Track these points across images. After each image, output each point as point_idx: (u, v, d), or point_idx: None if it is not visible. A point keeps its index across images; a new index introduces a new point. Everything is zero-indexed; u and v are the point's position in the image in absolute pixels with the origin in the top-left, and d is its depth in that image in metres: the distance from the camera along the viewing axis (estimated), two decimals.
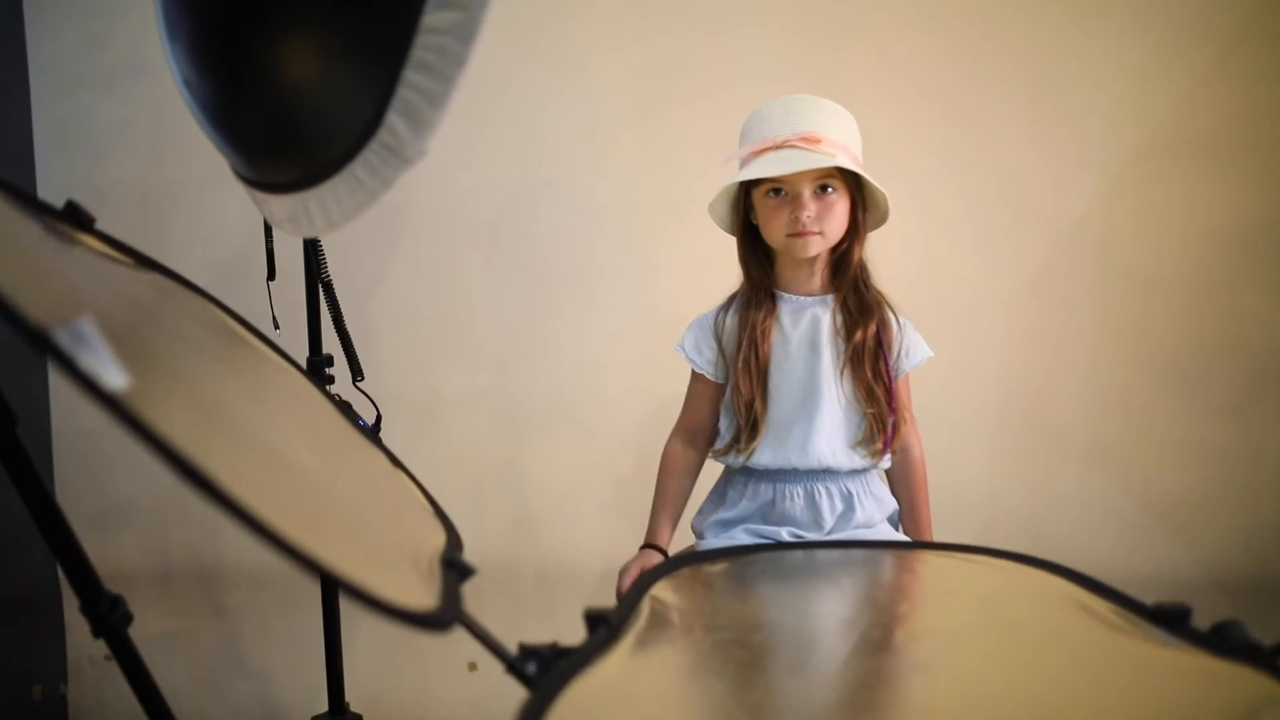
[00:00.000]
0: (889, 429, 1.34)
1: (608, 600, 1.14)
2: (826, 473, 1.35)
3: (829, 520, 1.34)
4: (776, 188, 1.30)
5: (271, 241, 1.53)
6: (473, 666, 2.03)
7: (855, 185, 1.32)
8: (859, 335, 1.34)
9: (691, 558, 1.13)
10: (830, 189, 1.30)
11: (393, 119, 0.86)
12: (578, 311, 2.04)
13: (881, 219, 1.36)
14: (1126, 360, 1.99)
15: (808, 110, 1.30)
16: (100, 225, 0.91)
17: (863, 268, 1.37)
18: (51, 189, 2.04)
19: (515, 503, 2.08)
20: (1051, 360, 2.01)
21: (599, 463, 2.04)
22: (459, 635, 0.69)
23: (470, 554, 2.04)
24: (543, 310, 2.05)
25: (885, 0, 1.95)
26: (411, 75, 0.84)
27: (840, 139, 1.28)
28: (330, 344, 1.60)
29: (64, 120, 2.05)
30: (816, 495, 1.34)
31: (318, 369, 1.56)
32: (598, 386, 2.04)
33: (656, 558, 1.39)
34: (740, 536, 1.36)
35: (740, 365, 1.36)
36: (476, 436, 2.05)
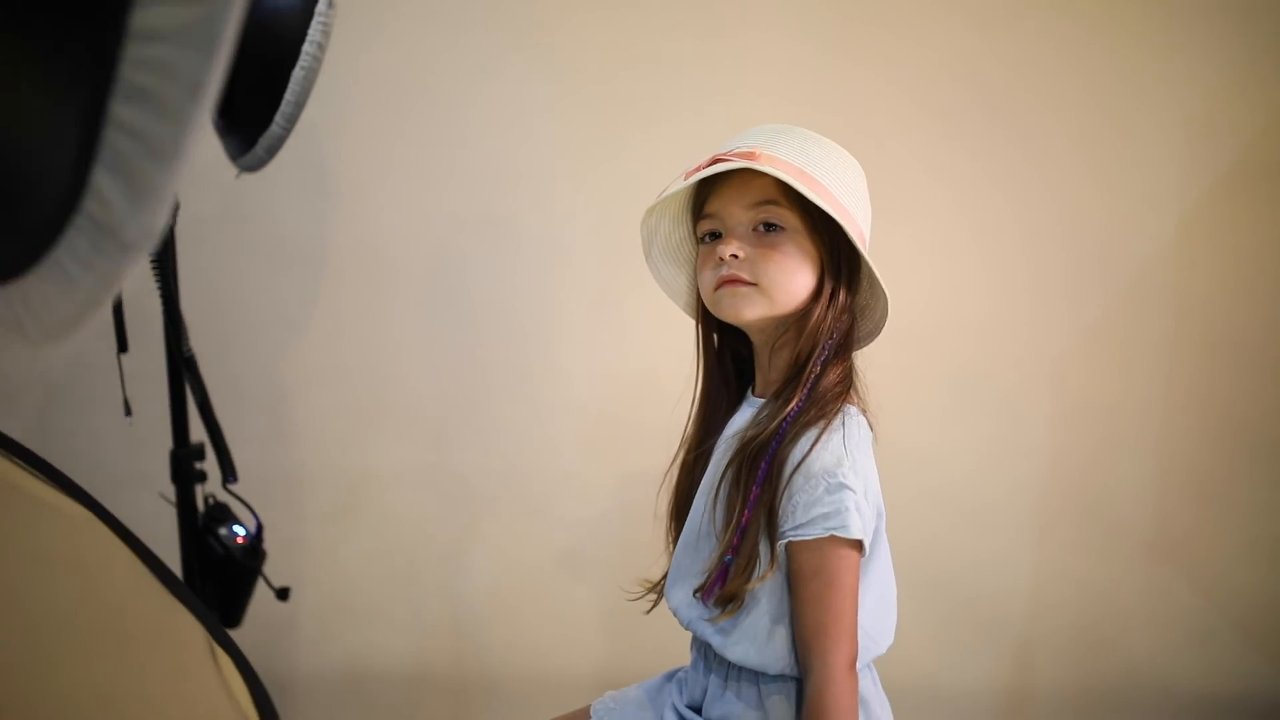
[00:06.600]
0: (721, 569, 0.91)
1: None
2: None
3: (702, 701, 1.00)
4: (715, 229, 0.95)
5: (119, 302, 1.20)
6: None
7: (829, 245, 0.92)
8: (750, 432, 0.93)
9: None
10: (777, 228, 0.91)
11: (101, 180, 0.53)
12: (534, 373, 1.73)
13: (881, 308, 0.94)
14: (1201, 437, 1.74)
15: (769, 132, 0.94)
16: None
17: (822, 350, 0.91)
18: None
19: (460, 601, 1.78)
20: (1110, 436, 1.75)
21: (561, 556, 1.75)
22: None
23: (407, 661, 1.76)
24: (491, 370, 1.73)
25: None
26: (121, 109, 0.51)
27: (795, 162, 0.88)
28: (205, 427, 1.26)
29: None
30: (698, 664, 1.01)
31: (183, 464, 1.24)
32: (560, 464, 1.75)
33: None
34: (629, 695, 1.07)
35: (677, 467, 1.06)
36: (413, 522, 1.76)
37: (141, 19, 0.48)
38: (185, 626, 0.87)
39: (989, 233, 1.69)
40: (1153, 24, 1.62)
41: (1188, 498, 1.73)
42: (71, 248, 0.57)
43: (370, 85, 1.63)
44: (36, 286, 0.61)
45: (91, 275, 0.57)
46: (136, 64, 0.49)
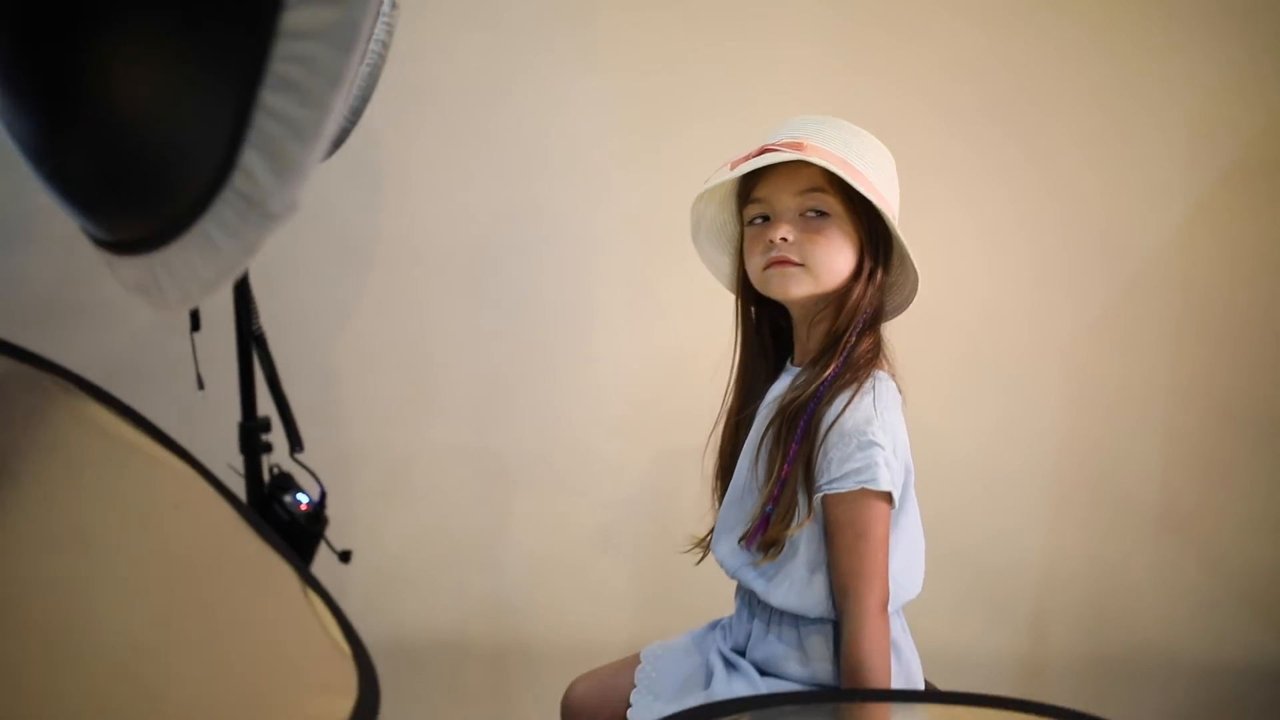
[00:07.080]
0: (763, 518, 0.99)
1: None
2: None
3: (745, 645, 1.08)
4: (764, 213, 1.03)
5: None
6: None
7: (868, 229, 1.01)
8: (790, 395, 1.01)
9: None
10: (822, 214, 1.00)
11: (249, 158, 0.62)
12: (569, 357, 1.80)
13: (910, 285, 1.03)
14: (1206, 417, 1.78)
15: (813, 123, 1.03)
16: None
17: (858, 323, 1.01)
18: None
19: (499, 575, 1.84)
20: (1119, 417, 1.78)
21: (595, 532, 1.82)
22: None
23: (449, 631, 1.83)
24: (528, 356, 1.80)
25: (927, 2, 1.67)
26: (270, 97, 0.59)
27: (839, 153, 0.98)
28: (269, 404, 1.35)
29: None
30: (742, 612, 1.10)
31: (251, 436, 1.33)
32: (594, 444, 1.81)
33: None
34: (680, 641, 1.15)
35: (720, 431, 1.14)
36: (454, 500, 1.82)
37: (290, 20, 0.57)
38: (280, 568, 0.96)
39: (999, 231, 1.75)
40: (1153, 26, 1.67)
41: (1193, 478, 1.78)
42: (218, 218, 0.66)
43: (421, 85, 1.69)
44: (181, 253, 0.70)
45: (236, 242, 0.66)
46: (285, 59, 0.58)
